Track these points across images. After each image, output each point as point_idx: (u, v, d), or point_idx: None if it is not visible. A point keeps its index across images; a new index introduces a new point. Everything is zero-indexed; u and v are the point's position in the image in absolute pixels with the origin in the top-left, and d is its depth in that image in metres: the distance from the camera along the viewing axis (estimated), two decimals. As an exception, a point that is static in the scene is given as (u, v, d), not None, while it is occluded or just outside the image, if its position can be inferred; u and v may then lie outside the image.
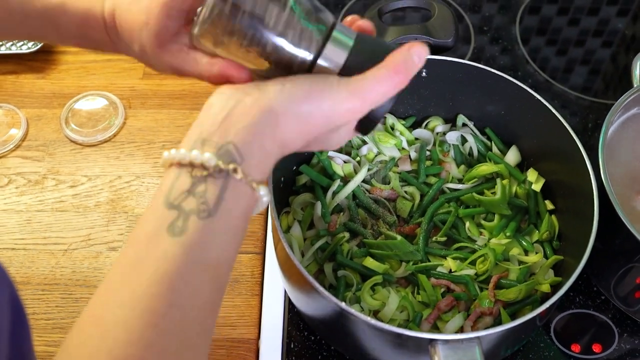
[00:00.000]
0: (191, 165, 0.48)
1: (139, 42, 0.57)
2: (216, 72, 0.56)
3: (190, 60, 0.57)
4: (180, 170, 0.49)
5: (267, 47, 0.53)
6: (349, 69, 0.54)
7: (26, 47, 1.14)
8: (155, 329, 0.44)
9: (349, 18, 0.60)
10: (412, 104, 0.99)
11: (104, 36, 0.60)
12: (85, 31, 0.61)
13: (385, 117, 0.98)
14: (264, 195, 0.51)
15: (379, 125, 0.99)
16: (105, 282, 0.47)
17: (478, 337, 0.71)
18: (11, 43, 1.14)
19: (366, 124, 0.57)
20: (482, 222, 0.91)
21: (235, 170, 0.48)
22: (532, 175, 0.93)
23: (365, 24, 0.59)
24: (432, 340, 0.71)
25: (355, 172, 0.93)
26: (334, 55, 0.54)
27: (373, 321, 0.71)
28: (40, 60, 1.17)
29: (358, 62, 0.54)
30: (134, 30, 0.57)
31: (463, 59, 1.18)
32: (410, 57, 0.53)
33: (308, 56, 0.54)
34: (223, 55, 0.55)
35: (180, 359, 0.46)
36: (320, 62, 0.54)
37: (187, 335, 0.46)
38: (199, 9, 0.54)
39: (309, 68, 0.55)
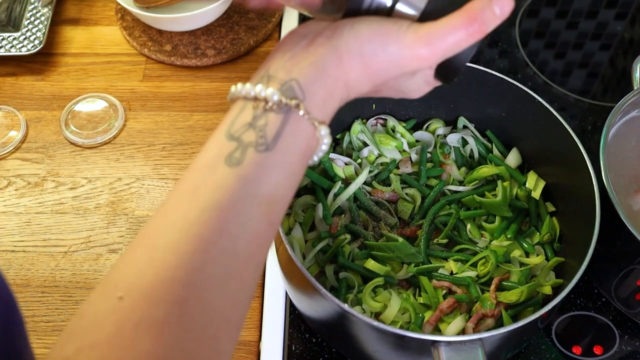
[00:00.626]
0: (255, 99, 0.49)
1: None
2: None
3: None
4: (245, 104, 0.50)
5: None
6: (429, 16, 0.52)
7: (25, 49, 1.13)
8: (203, 255, 0.45)
9: None
10: (413, 107, 0.99)
11: None
12: None
13: (386, 120, 0.99)
14: (325, 136, 0.51)
15: (379, 128, 0.99)
16: (160, 208, 0.48)
17: (481, 339, 0.71)
18: (11, 45, 1.14)
19: (445, 73, 0.54)
20: (483, 224, 0.91)
21: (297, 106, 0.49)
22: (531, 180, 0.92)
23: None
24: (434, 342, 0.71)
25: (357, 174, 0.93)
26: (414, 0, 0.53)
27: (376, 323, 0.71)
28: (39, 62, 1.17)
29: (438, 9, 0.52)
30: None
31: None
32: (490, 7, 0.50)
33: (387, 1, 0.53)
34: None
35: (225, 287, 0.46)
36: (398, 7, 0.53)
37: (234, 265, 0.47)
38: None
39: (388, 13, 0.53)
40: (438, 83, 0.57)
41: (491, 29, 0.51)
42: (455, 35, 0.50)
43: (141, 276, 0.44)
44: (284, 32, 1.21)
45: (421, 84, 0.56)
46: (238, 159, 0.47)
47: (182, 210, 0.47)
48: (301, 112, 0.49)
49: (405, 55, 0.51)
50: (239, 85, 0.50)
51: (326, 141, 0.51)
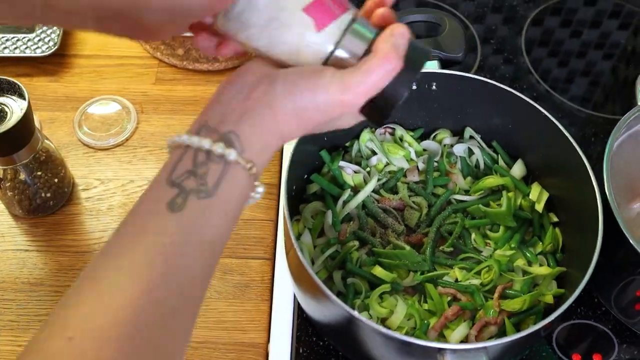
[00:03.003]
0: (195, 149, 0.51)
1: None
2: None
3: None
4: (185, 152, 0.52)
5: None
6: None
7: (40, 50, 1.15)
8: (150, 297, 0.47)
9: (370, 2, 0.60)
10: (420, 116, 1.01)
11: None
12: None
13: (394, 129, 1.01)
14: (259, 185, 0.54)
15: (388, 137, 1.01)
16: (105, 249, 0.49)
17: (485, 347, 0.73)
18: (25, 46, 1.15)
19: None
20: (488, 232, 0.93)
21: (235, 157, 0.51)
22: (535, 192, 0.95)
23: (386, 12, 0.59)
24: (440, 349, 0.73)
25: (365, 182, 0.96)
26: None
27: (384, 329, 0.73)
28: (53, 64, 1.19)
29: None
30: None
31: (469, 70, 1.22)
32: (395, 41, 0.55)
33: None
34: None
35: (170, 326, 0.48)
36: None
37: (179, 305, 0.49)
38: None
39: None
40: (362, 117, 0.59)
41: (401, 58, 0.55)
42: (374, 76, 0.54)
43: (90, 317, 0.46)
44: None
45: (348, 120, 0.59)
46: (180, 205, 0.49)
47: (128, 253, 0.48)
48: (240, 163, 0.52)
49: (331, 104, 0.54)
50: (182, 135, 0.52)
51: (260, 190, 0.55)
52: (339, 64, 0.56)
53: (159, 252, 0.48)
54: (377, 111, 0.57)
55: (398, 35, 0.55)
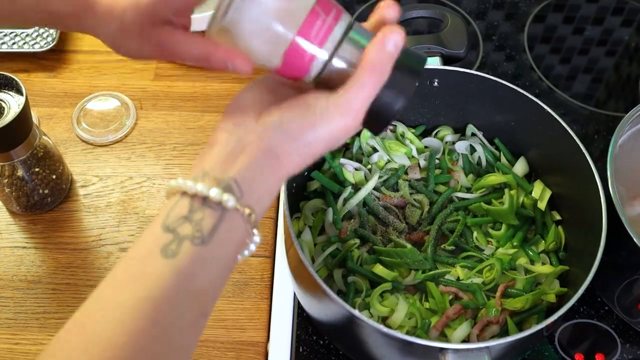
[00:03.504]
0: (194, 195, 0.50)
1: (123, 16, 0.56)
2: (218, 57, 0.55)
3: (184, 42, 0.56)
4: (181, 197, 0.51)
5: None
6: None
7: (38, 45, 1.14)
8: (136, 346, 0.46)
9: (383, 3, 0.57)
10: (422, 113, 1.00)
11: (68, 8, 0.59)
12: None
13: (395, 126, 1.00)
14: (256, 234, 0.53)
15: (389, 134, 1.00)
16: (96, 293, 0.49)
17: (487, 347, 0.72)
18: (24, 41, 1.14)
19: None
20: (490, 231, 0.92)
21: (233, 204, 0.50)
22: (537, 190, 0.94)
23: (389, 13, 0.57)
24: (442, 349, 0.72)
25: (366, 179, 0.95)
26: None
27: (384, 328, 0.73)
28: (51, 59, 1.18)
29: None
30: (118, 4, 0.56)
31: (471, 66, 1.21)
32: (385, 49, 0.53)
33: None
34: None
35: None
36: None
37: (166, 354, 0.48)
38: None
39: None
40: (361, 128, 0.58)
41: (390, 67, 0.53)
42: (365, 91, 0.53)
43: None
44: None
45: (347, 137, 0.58)
46: (174, 251, 0.48)
47: (118, 300, 0.47)
48: (238, 210, 0.50)
49: (335, 132, 0.53)
50: (179, 180, 0.51)
51: (256, 239, 0.53)
52: (335, 74, 0.55)
53: (149, 299, 0.47)
54: (375, 121, 0.56)
55: (389, 42, 0.53)
